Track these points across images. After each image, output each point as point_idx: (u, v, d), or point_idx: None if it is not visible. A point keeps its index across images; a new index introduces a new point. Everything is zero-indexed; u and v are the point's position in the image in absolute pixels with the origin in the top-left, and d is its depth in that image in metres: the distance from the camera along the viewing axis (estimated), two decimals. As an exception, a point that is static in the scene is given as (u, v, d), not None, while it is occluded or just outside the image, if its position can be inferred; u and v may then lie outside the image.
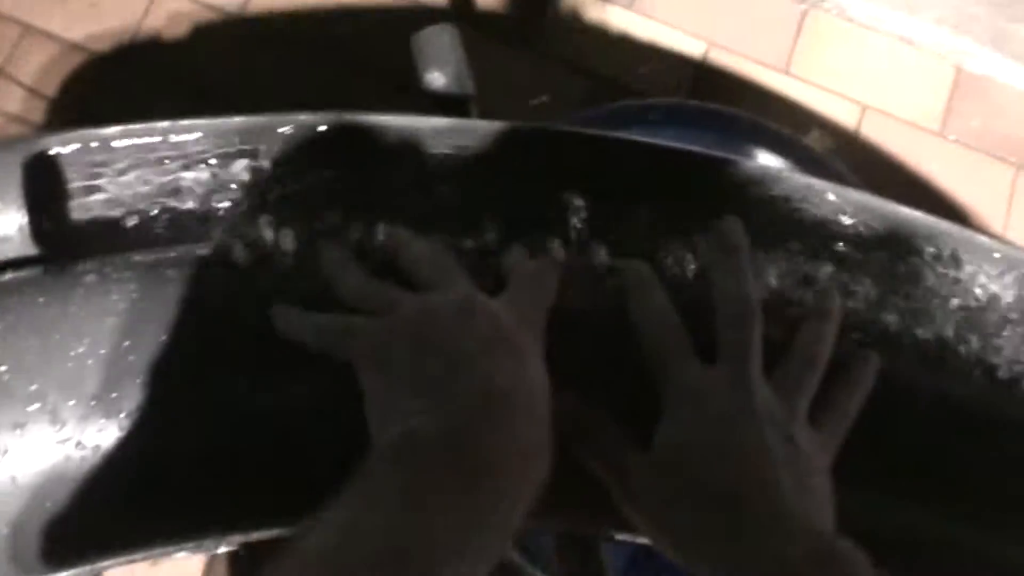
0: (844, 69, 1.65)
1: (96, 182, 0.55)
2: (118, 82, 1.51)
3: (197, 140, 0.56)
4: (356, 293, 0.53)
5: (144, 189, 0.56)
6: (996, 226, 1.61)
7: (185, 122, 0.57)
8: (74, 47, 1.51)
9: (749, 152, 1.08)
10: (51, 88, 1.49)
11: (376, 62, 1.52)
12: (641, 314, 0.54)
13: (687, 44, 1.62)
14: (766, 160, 1.08)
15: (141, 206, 0.55)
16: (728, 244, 0.55)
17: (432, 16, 1.58)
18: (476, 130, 0.58)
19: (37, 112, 1.48)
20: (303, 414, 0.54)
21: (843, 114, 1.63)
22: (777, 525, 0.47)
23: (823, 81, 1.64)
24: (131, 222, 0.55)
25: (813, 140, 1.59)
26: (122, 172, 0.56)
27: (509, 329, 0.50)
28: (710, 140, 1.08)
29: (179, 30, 1.53)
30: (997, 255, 0.59)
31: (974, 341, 0.58)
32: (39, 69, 1.50)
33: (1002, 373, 0.58)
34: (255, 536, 0.54)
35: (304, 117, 0.57)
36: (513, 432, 0.46)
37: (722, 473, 0.49)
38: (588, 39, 1.61)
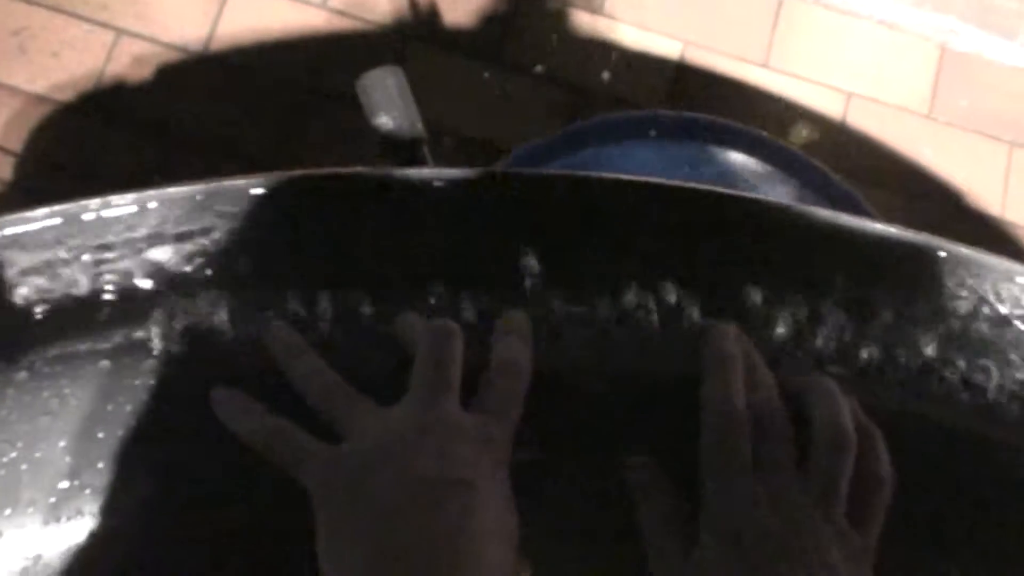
0: (825, 58, 1.61)
1: (20, 269, 0.52)
2: (84, 130, 1.48)
3: (132, 216, 0.53)
4: (316, 394, 0.50)
5: (73, 274, 0.53)
6: (994, 207, 1.57)
7: (116, 197, 0.54)
8: (38, 99, 1.48)
9: (729, 158, 1.05)
10: (17, 142, 1.47)
11: (336, 91, 1.49)
12: (710, 400, 0.51)
13: (662, 45, 1.59)
14: (747, 165, 1.04)
15: (72, 292, 0.52)
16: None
17: (390, 40, 1.55)
18: (416, 179, 0.55)
19: (5, 167, 1.46)
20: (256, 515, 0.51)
21: (828, 104, 1.59)
22: None
23: (804, 72, 1.60)
24: (59, 311, 0.52)
25: (798, 133, 1.56)
26: (46, 253, 0.53)
27: (463, 460, 0.47)
28: (688, 150, 1.05)
29: (142, 73, 1.50)
30: None
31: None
32: (4, 124, 1.47)
33: None
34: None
35: (242, 182, 0.54)
36: None
37: None
38: (560, 49, 1.58)
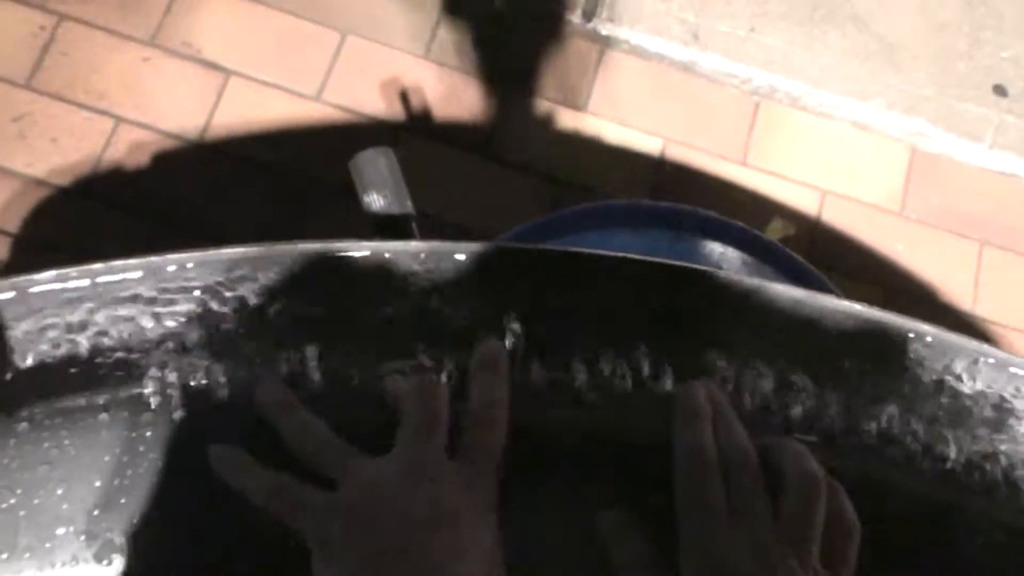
0: (801, 157, 1.67)
1: (23, 329, 0.55)
2: (80, 214, 1.52)
3: (132, 281, 0.56)
4: (308, 449, 0.52)
5: (74, 334, 0.55)
6: (965, 303, 1.61)
7: (118, 262, 0.57)
8: (37, 183, 1.52)
9: (707, 247, 1.09)
10: (14, 224, 1.50)
11: (330, 179, 1.54)
12: (681, 449, 0.53)
13: (644, 142, 1.65)
14: (724, 253, 1.08)
15: (72, 350, 0.55)
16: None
17: (382, 132, 1.60)
18: (407, 252, 0.58)
19: (2, 247, 1.48)
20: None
21: (804, 201, 1.64)
22: None
23: (781, 170, 1.65)
24: (62, 366, 0.54)
25: (775, 228, 1.60)
26: (54, 315, 0.55)
27: (452, 503, 0.49)
28: (667, 239, 1.08)
29: (140, 159, 1.54)
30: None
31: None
32: (1, 206, 1.51)
33: None
34: None
35: (233, 251, 0.57)
36: None
37: None
38: (544, 143, 1.63)
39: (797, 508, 0.51)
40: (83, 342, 0.55)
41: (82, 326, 0.55)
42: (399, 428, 0.53)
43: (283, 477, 0.51)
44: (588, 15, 1.67)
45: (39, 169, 1.53)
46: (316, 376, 0.55)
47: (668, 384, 0.57)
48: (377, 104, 1.62)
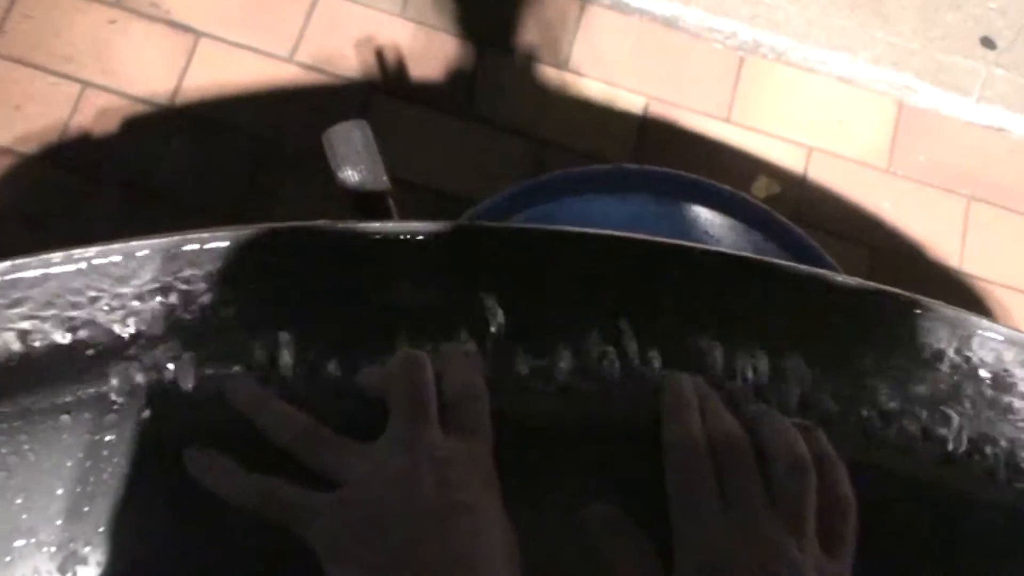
0: (786, 113, 1.64)
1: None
2: (47, 182, 1.47)
3: (91, 269, 0.53)
4: (294, 441, 0.50)
5: (31, 328, 0.52)
6: (952, 259, 1.60)
7: (76, 251, 0.54)
8: (1, 151, 1.48)
9: (692, 212, 1.06)
10: (-20, 194, 1.46)
11: (305, 144, 1.50)
12: (671, 440, 0.52)
13: (627, 100, 1.61)
14: (710, 218, 1.06)
15: (29, 347, 0.52)
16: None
17: (357, 93, 1.56)
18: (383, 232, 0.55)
19: (-33, 220, 1.45)
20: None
21: (789, 158, 1.62)
22: None
23: (766, 127, 1.63)
24: (16, 366, 0.51)
25: (761, 186, 1.58)
26: (7, 308, 0.52)
27: (460, 484, 0.47)
28: (652, 203, 1.06)
29: (108, 125, 1.50)
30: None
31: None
32: (-34, 177, 1.47)
33: None
34: None
35: (205, 235, 0.54)
36: None
37: None
38: (525, 102, 1.60)
39: (789, 489, 0.50)
40: (39, 339, 0.52)
41: (37, 321, 0.52)
42: (390, 404, 0.50)
43: (272, 480, 0.49)
44: (568, -31, 1.62)
45: (2, 137, 1.48)
46: (290, 370, 0.52)
47: (656, 367, 0.55)
48: (352, 64, 1.58)
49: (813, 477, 0.50)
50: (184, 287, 0.53)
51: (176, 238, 0.54)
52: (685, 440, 0.51)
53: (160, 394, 0.52)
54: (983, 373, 0.58)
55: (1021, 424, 0.58)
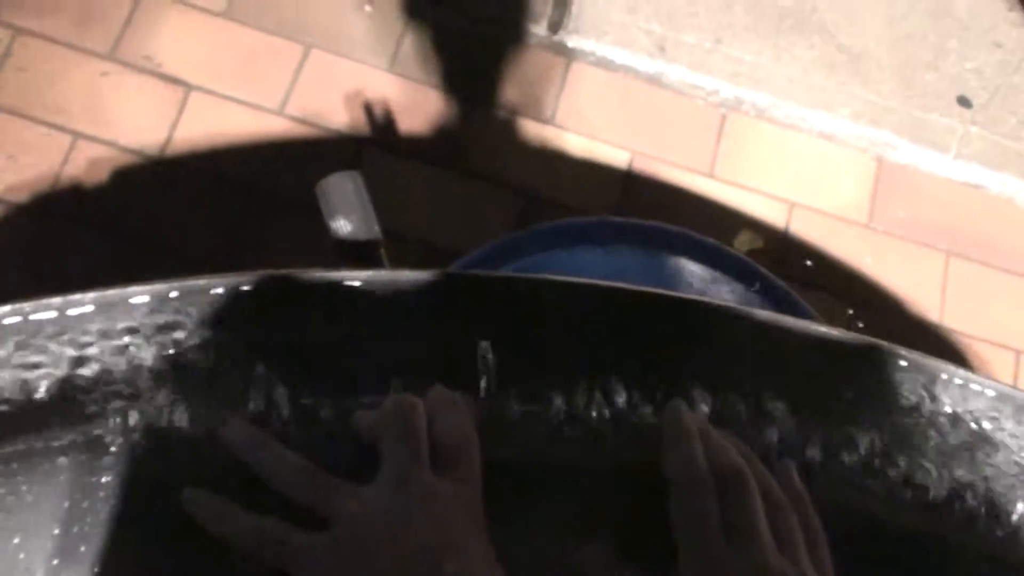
0: (768, 169, 1.67)
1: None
2: (39, 232, 1.48)
3: (87, 315, 0.54)
4: (289, 483, 0.50)
5: (28, 372, 0.53)
6: (933, 313, 1.62)
7: (75, 296, 0.55)
8: (-7, 200, 1.49)
9: (676, 264, 1.08)
10: (-30, 243, 1.47)
11: (295, 195, 1.52)
12: (674, 468, 0.52)
13: (611, 155, 1.64)
14: (693, 270, 1.07)
15: (27, 390, 0.53)
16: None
17: (346, 146, 1.58)
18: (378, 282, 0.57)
19: (-43, 268, 1.45)
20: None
21: (771, 213, 1.64)
22: None
23: (748, 182, 1.65)
24: (14, 409, 0.52)
25: (743, 240, 1.60)
26: (5, 351, 0.53)
27: (451, 524, 0.48)
28: (636, 256, 1.07)
29: (100, 176, 1.51)
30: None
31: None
32: (-42, 225, 1.47)
33: None
34: None
35: (202, 282, 0.55)
36: None
37: None
38: (512, 156, 1.62)
39: (784, 526, 0.51)
40: (37, 382, 0.53)
41: (35, 365, 0.53)
42: (382, 447, 0.51)
43: (267, 521, 0.49)
44: (554, 27, 1.66)
45: (-6, 187, 1.49)
46: (285, 412, 0.53)
47: (645, 413, 0.56)
48: (341, 117, 1.60)
49: (792, 513, 0.52)
50: (179, 333, 0.54)
51: (174, 283, 0.55)
52: (689, 464, 0.52)
53: (155, 436, 0.52)
54: (965, 421, 0.59)
55: (1002, 471, 0.59)
